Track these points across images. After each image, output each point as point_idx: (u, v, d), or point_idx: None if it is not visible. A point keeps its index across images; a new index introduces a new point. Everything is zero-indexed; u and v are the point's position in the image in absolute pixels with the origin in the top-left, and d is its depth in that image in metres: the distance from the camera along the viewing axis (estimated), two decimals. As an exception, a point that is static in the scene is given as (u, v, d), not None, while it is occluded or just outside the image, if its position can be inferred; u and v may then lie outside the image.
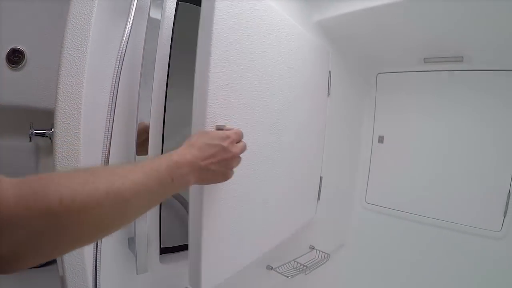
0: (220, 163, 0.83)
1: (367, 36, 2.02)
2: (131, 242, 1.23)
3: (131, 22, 1.01)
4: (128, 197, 0.60)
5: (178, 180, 0.72)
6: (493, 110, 1.99)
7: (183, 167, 0.74)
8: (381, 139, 2.42)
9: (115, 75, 0.97)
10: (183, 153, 0.77)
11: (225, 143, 0.84)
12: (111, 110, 0.96)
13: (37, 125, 1.33)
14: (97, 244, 1.02)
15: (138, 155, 1.14)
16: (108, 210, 0.57)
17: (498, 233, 1.93)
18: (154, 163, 0.70)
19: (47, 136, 1.19)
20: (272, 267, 1.92)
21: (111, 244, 1.18)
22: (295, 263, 1.99)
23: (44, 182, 0.51)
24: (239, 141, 0.93)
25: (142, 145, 1.13)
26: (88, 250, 1.04)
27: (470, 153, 2.06)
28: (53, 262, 1.40)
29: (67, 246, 0.56)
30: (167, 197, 0.74)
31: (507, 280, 1.88)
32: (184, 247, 1.47)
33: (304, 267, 1.95)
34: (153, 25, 1.13)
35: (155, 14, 1.13)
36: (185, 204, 1.67)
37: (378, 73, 2.44)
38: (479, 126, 2.04)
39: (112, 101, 0.97)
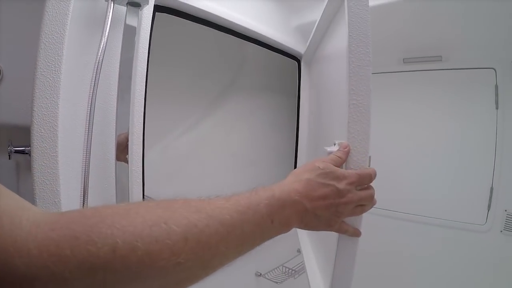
0: (329, 208, 0.64)
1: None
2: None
3: (106, 36, 1.00)
4: (214, 243, 0.46)
5: (278, 222, 0.58)
6: (473, 107, 2.02)
7: (286, 207, 0.59)
8: (364, 140, 2.43)
9: (91, 93, 0.95)
10: (288, 190, 0.61)
11: (340, 185, 0.65)
12: (88, 129, 0.95)
13: (16, 142, 1.31)
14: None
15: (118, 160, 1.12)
16: (185, 261, 0.42)
17: (483, 227, 1.96)
18: (252, 198, 0.56)
19: (26, 153, 1.17)
20: (260, 274, 1.92)
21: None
22: (284, 268, 1.99)
23: (90, 222, 0.37)
24: (363, 185, 0.71)
25: (122, 155, 1.10)
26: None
27: (452, 150, 2.08)
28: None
29: None
30: (263, 242, 0.58)
31: (494, 271, 1.91)
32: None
33: (293, 271, 1.95)
34: (130, 33, 1.11)
35: (131, 21, 1.11)
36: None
37: (358, 75, 2.45)
38: (459, 123, 2.06)
39: (89, 120, 0.95)
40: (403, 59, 2.22)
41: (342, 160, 0.73)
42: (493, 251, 1.92)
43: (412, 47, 2.14)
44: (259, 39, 1.75)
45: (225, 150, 2.05)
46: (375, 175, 0.73)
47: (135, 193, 1.21)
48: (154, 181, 1.42)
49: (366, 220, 2.19)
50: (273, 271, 1.95)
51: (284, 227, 0.60)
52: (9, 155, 1.28)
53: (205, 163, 1.94)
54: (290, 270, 1.95)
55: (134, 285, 0.39)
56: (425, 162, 2.18)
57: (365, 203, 0.70)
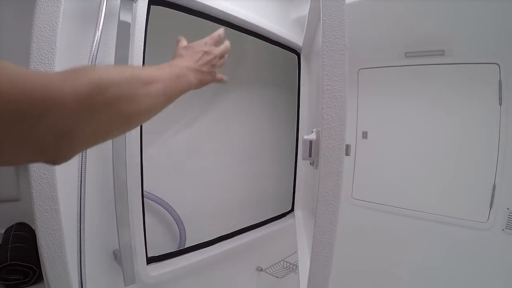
0: (207, 65, 0.92)
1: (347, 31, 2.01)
2: (116, 254, 1.21)
3: (100, 30, 0.99)
4: (148, 81, 0.65)
5: (182, 78, 0.80)
6: (475, 103, 1.99)
7: (183, 69, 0.82)
8: (365, 135, 2.40)
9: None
10: (179, 61, 0.86)
11: (205, 48, 0.94)
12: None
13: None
14: (80, 260, 1.00)
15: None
16: (134, 89, 0.61)
17: (485, 224, 1.93)
18: (158, 67, 0.75)
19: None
20: (262, 269, 1.92)
21: (96, 258, 1.16)
22: (285, 262, 1.98)
23: (80, 69, 0.53)
24: (217, 42, 1.00)
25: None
26: (72, 266, 1.02)
27: (454, 146, 2.05)
28: (41, 279, 1.38)
29: (114, 122, 0.58)
30: (176, 96, 0.77)
31: (494, 269, 1.89)
32: (172, 255, 1.46)
33: (294, 266, 1.94)
34: (124, 28, 1.10)
35: (125, 16, 1.11)
36: (170, 210, 1.66)
37: (360, 69, 2.42)
38: (462, 119, 2.03)
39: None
40: (405, 53, 2.20)
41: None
42: (494, 249, 1.90)
43: (414, 41, 2.11)
44: (257, 32, 1.74)
45: (223, 145, 2.05)
46: (222, 33, 1.02)
47: (133, 188, 1.21)
48: (153, 176, 1.42)
49: (364, 216, 2.18)
50: (274, 266, 1.95)
51: (187, 83, 0.82)
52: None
53: (204, 158, 1.94)
54: (291, 265, 1.95)
55: (114, 104, 0.56)
56: (427, 158, 2.16)
57: (224, 54, 1.00)
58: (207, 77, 0.94)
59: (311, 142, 0.96)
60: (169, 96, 0.73)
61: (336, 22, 0.84)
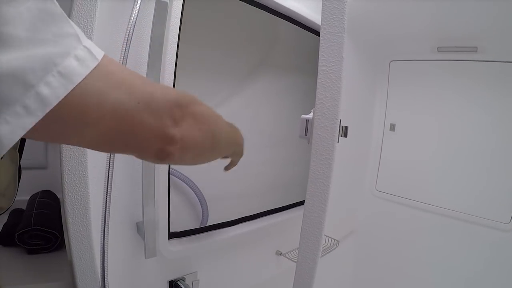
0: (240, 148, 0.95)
1: (379, 22, 1.98)
2: (139, 226, 1.23)
3: (138, 5, 1.00)
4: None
5: (234, 129, 0.86)
6: (506, 103, 1.93)
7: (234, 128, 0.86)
8: (392, 127, 2.38)
9: (121, 61, 0.96)
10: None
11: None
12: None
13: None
14: (104, 228, 1.02)
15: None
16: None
17: (507, 225, 1.89)
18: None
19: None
20: (281, 253, 1.94)
21: (119, 229, 1.18)
22: (303, 249, 2.00)
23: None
24: None
25: None
26: (95, 235, 1.04)
27: (482, 145, 2.01)
28: (62, 246, 1.41)
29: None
30: (224, 148, 0.81)
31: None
32: (193, 232, 1.48)
33: (313, 253, 1.95)
34: (161, 8, 1.11)
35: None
36: (194, 189, 1.67)
37: (391, 61, 2.39)
38: (491, 119, 1.98)
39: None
40: (438, 47, 2.16)
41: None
42: (513, 252, 1.88)
43: (447, 36, 2.06)
44: (291, 16, 1.72)
45: (252, 128, 2.05)
46: None
47: (161, 166, 1.23)
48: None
49: (386, 209, 2.17)
50: (293, 251, 1.96)
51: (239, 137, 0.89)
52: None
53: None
54: (311, 252, 1.97)
55: None
56: (454, 154, 2.12)
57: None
58: (240, 152, 0.98)
59: (307, 121, 0.99)
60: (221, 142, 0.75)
61: (336, 4, 0.83)
